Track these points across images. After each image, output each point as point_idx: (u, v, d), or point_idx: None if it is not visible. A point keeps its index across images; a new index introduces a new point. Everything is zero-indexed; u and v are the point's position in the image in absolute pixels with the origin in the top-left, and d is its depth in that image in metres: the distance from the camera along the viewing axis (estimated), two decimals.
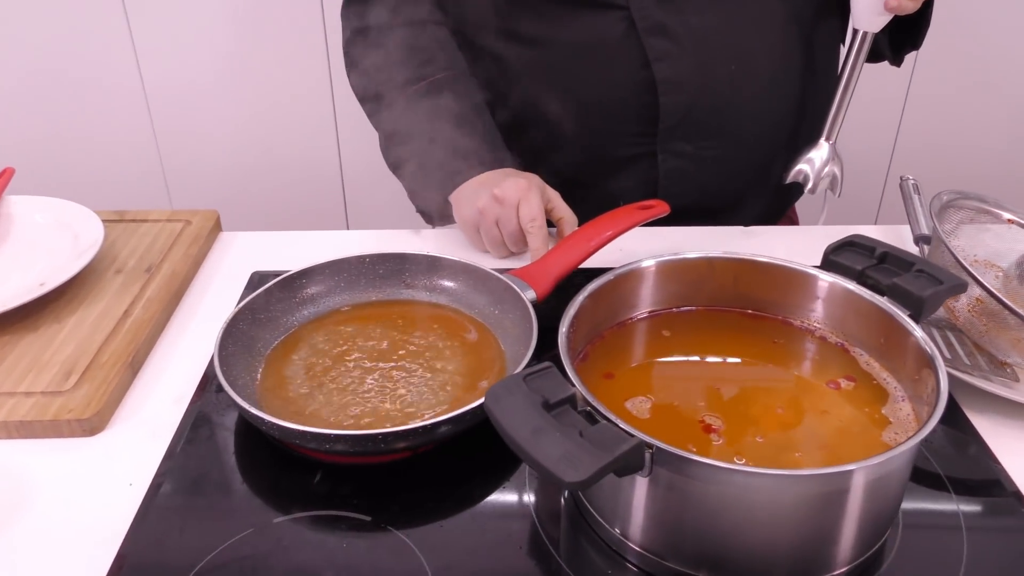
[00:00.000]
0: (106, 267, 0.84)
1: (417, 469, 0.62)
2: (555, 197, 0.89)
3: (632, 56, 0.89)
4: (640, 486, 0.51)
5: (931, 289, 0.59)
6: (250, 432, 0.65)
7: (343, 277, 0.76)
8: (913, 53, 0.96)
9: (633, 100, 0.91)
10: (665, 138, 0.93)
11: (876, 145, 1.76)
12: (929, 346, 0.56)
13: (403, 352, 0.70)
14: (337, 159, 1.81)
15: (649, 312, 0.67)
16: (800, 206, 1.15)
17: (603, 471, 0.45)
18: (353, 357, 0.70)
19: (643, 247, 0.91)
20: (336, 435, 0.58)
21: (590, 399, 0.50)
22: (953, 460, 0.63)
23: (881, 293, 0.61)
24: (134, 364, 0.72)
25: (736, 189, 0.99)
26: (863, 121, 1.62)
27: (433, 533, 0.57)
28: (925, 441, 0.60)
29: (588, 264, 0.78)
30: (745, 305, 0.67)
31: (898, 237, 0.92)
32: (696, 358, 0.64)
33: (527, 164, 0.93)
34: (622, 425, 0.48)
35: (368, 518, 0.58)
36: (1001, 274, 0.78)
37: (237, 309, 0.69)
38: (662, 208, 0.82)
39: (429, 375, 0.68)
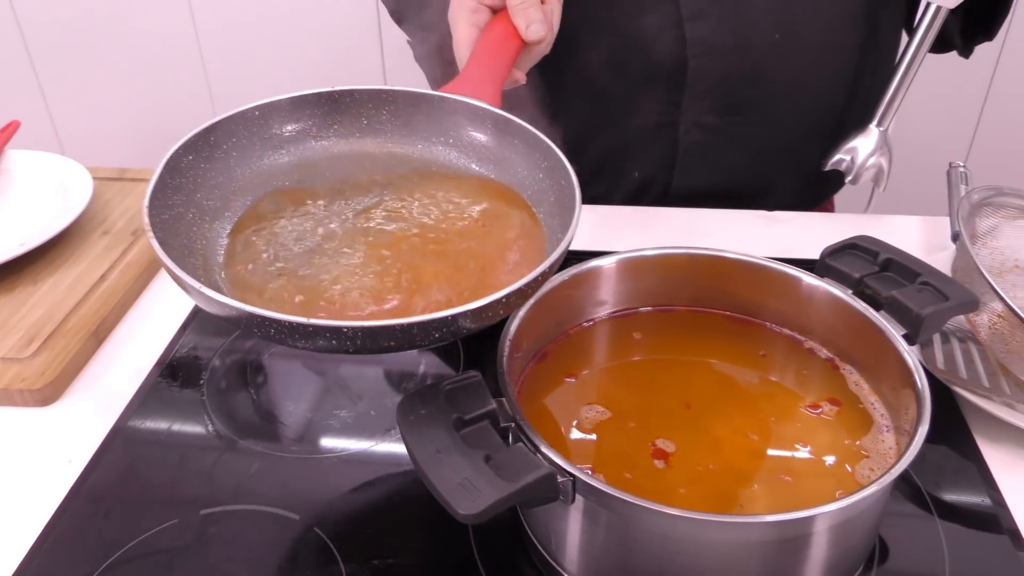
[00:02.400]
0: (94, 228, 0.83)
1: (354, 467, 0.58)
2: None
3: (665, 9, 0.81)
4: (571, 513, 0.46)
5: (933, 307, 0.51)
6: (194, 411, 0.63)
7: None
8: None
9: (660, 59, 0.83)
10: (690, 106, 0.85)
11: (953, 131, 1.62)
12: (918, 372, 0.48)
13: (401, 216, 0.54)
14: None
15: (623, 310, 0.61)
16: (840, 198, 1.05)
17: (502, 503, 0.40)
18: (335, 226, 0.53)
19: (649, 230, 0.84)
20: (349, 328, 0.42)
21: (515, 413, 0.45)
22: (950, 491, 0.56)
23: (879, 306, 0.54)
24: (99, 332, 0.70)
25: (765, 173, 0.91)
26: (942, 107, 1.50)
27: (360, 542, 0.53)
28: (919, 472, 0.54)
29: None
30: (732, 308, 0.61)
31: (939, 231, 0.83)
32: (669, 366, 0.58)
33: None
34: (543, 448, 0.44)
35: (296, 517, 0.55)
36: None
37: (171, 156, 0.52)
38: None
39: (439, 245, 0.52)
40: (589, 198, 0.86)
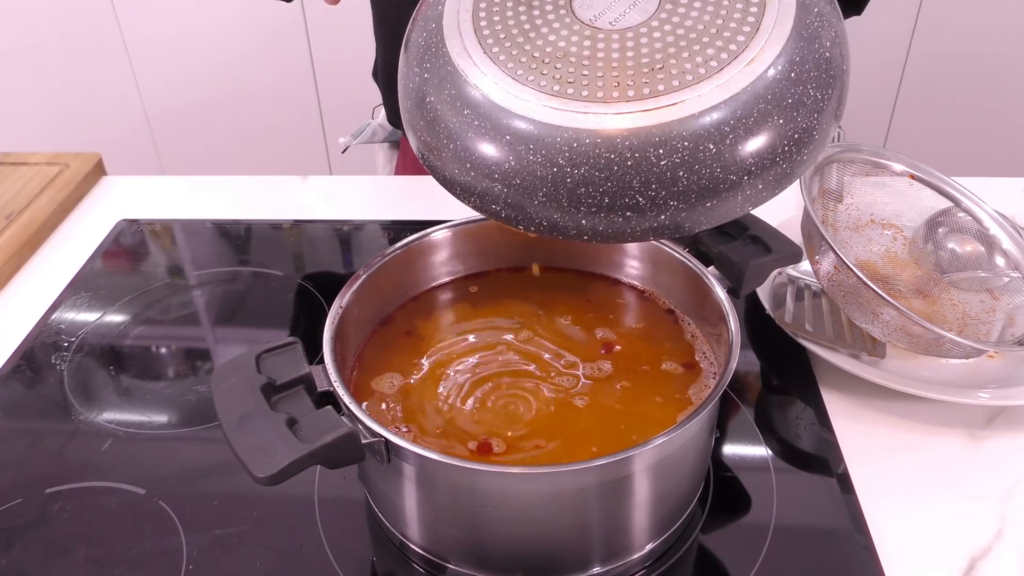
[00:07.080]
0: None
1: (206, 442, 0.59)
2: None
3: None
4: (393, 475, 0.47)
5: (755, 260, 0.52)
6: (52, 393, 0.63)
7: None
8: None
9: None
10: None
11: (884, 73, 1.65)
12: (732, 317, 0.50)
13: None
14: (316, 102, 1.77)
15: (476, 272, 0.61)
16: None
17: (299, 463, 0.40)
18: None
19: None
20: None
21: (331, 372, 0.46)
22: (789, 436, 0.58)
23: (709, 262, 0.55)
24: None
25: None
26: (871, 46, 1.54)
27: (203, 513, 0.54)
28: (760, 418, 0.59)
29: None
30: (581, 265, 0.61)
31: None
32: (518, 326, 0.58)
33: None
34: (353, 409, 0.44)
35: (142, 491, 0.55)
36: (901, 236, 0.71)
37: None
38: None
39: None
40: None
